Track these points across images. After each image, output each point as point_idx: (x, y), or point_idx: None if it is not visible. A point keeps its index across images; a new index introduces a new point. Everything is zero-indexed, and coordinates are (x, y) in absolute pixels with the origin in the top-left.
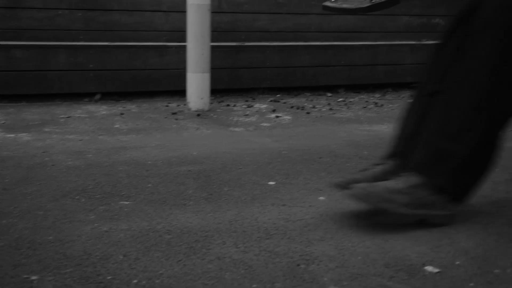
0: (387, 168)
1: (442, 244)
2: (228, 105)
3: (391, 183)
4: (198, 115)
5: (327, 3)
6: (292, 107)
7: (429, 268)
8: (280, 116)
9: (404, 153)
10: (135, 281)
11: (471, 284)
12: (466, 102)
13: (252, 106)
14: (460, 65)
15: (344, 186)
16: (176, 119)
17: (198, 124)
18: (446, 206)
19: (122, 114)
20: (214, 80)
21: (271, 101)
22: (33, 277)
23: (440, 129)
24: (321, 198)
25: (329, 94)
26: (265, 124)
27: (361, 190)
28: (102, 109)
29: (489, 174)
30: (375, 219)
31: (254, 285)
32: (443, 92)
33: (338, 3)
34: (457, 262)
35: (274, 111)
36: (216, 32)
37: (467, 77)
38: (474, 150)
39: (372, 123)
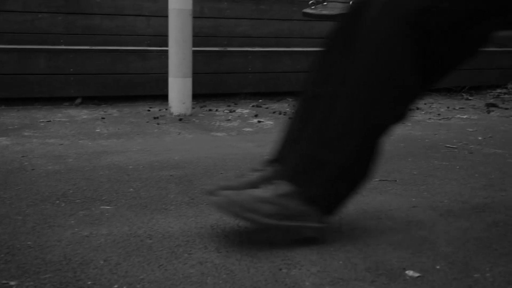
0: (264, 174)
1: (422, 248)
2: (210, 110)
3: (259, 191)
4: (180, 119)
5: (307, 10)
6: (274, 112)
7: (410, 273)
8: (262, 121)
9: (283, 159)
10: (115, 286)
11: None
12: (342, 109)
13: (234, 111)
14: (339, 69)
15: (212, 193)
16: (158, 124)
17: (180, 129)
18: (318, 217)
19: (103, 118)
20: (196, 85)
21: (253, 106)
22: (12, 283)
23: (316, 136)
24: None
25: None
26: (247, 129)
27: (224, 198)
28: (83, 113)
29: (364, 184)
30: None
31: None
32: (323, 97)
33: (318, 10)
34: (438, 267)
35: (256, 116)
36: (198, 37)
37: (344, 82)
38: (349, 159)
39: None
